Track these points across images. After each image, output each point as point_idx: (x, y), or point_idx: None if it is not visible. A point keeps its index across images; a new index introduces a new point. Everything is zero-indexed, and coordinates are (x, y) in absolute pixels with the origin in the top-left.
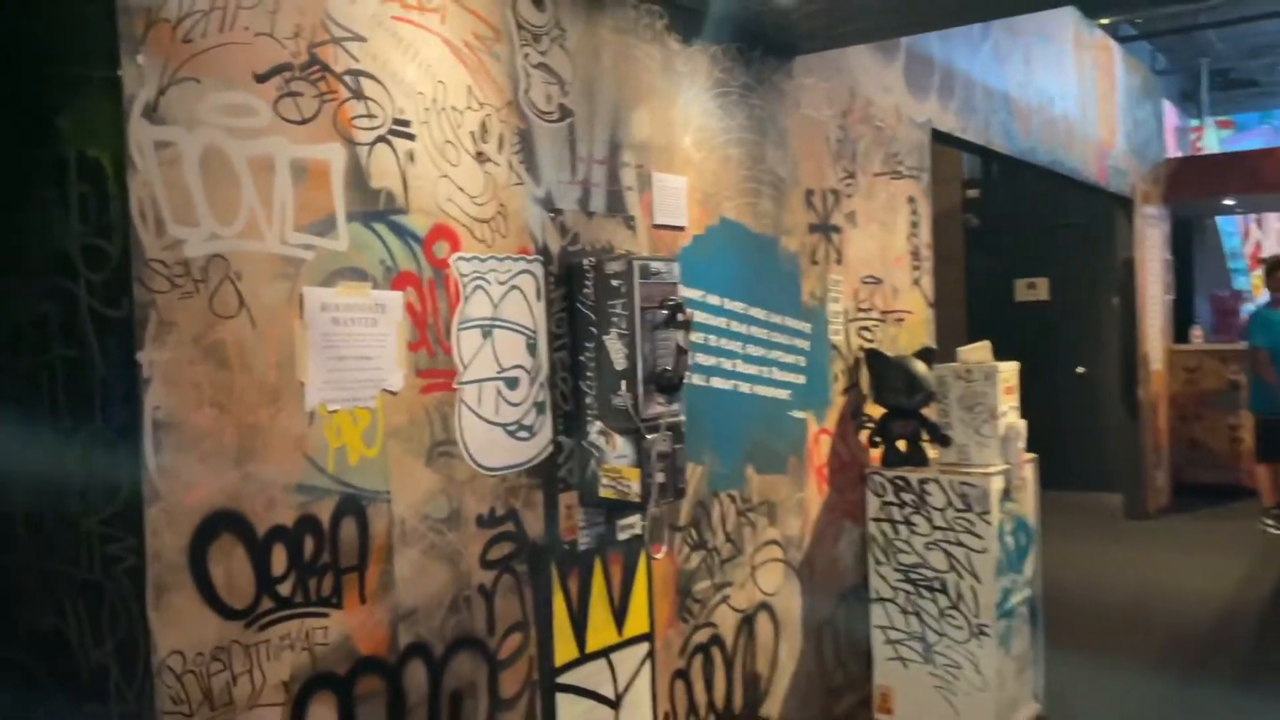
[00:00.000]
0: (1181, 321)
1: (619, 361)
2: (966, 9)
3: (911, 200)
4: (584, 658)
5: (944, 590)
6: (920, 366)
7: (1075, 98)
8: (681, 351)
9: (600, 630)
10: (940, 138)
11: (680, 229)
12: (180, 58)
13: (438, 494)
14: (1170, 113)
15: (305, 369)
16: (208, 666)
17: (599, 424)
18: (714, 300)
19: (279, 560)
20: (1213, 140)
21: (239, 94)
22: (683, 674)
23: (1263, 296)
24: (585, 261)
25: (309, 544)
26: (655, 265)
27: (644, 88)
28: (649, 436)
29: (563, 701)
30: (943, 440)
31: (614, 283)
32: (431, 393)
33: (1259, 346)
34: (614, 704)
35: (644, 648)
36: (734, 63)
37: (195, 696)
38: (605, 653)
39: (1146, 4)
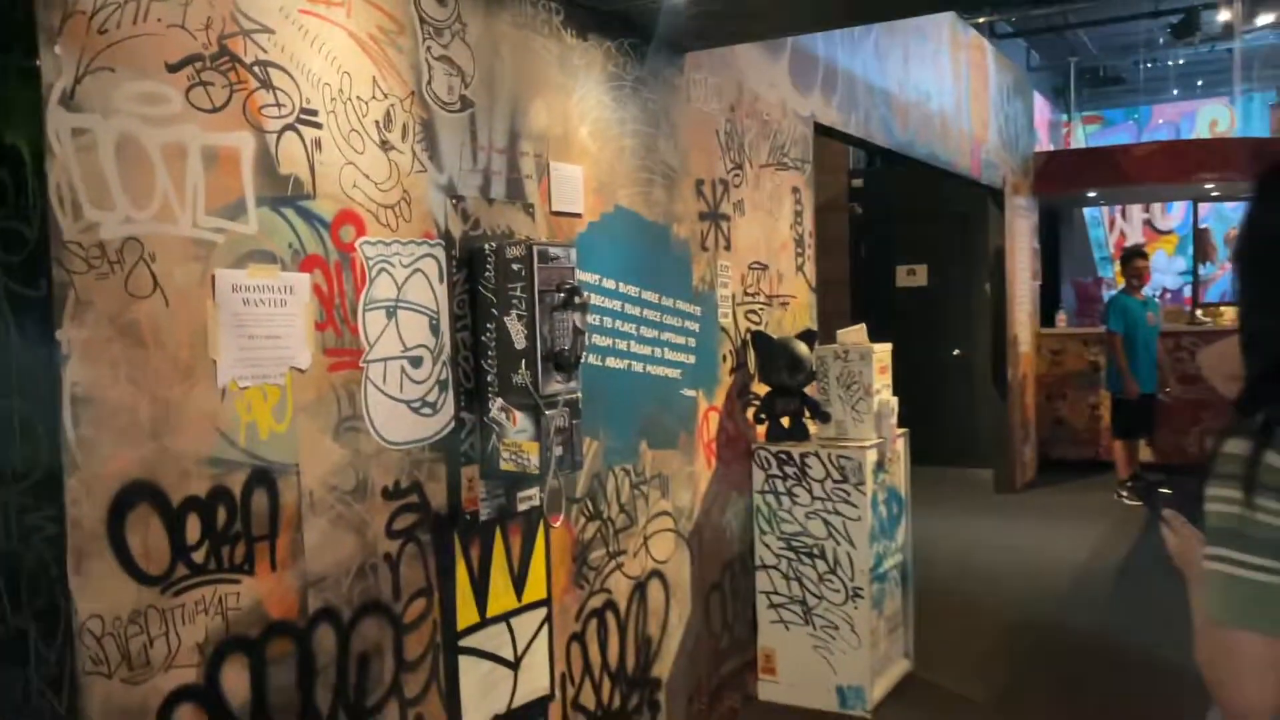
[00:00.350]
0: (1048, 306)
1: (519, 341)
2: (848, 13)
3: (796, 191)
4: (485, 622)
5: (822, 556)
6: (802, 348)
7: (950, 94)
8: (578, 332)
9: (500, 596)
10: (823, 131)
11: (577, 216)
12: (96, 48)
13: (345, 467)
14: (1044, 108)
15: (217, 347)
16: (125, 629)
17: (500, 401)
18: (609, 284)
19: (193, 529)
20: (1081, 135)
21: (152, 83)
22: (578, 637)
23: (1122, 284)
24: (486, 246)
25: (222, 514)
26: (553, 250)
27: (542, 80)
28: (548, 412)
29: (464, 663)
30: (822, 416)
31: (514, 267)
32: (338, 370)
33: (1115, 331)
34: (513, 665)
35: (542, 612)
36: (627, 58)
37: (114, 658)
38: (505, 617)
39: (1016, 5)
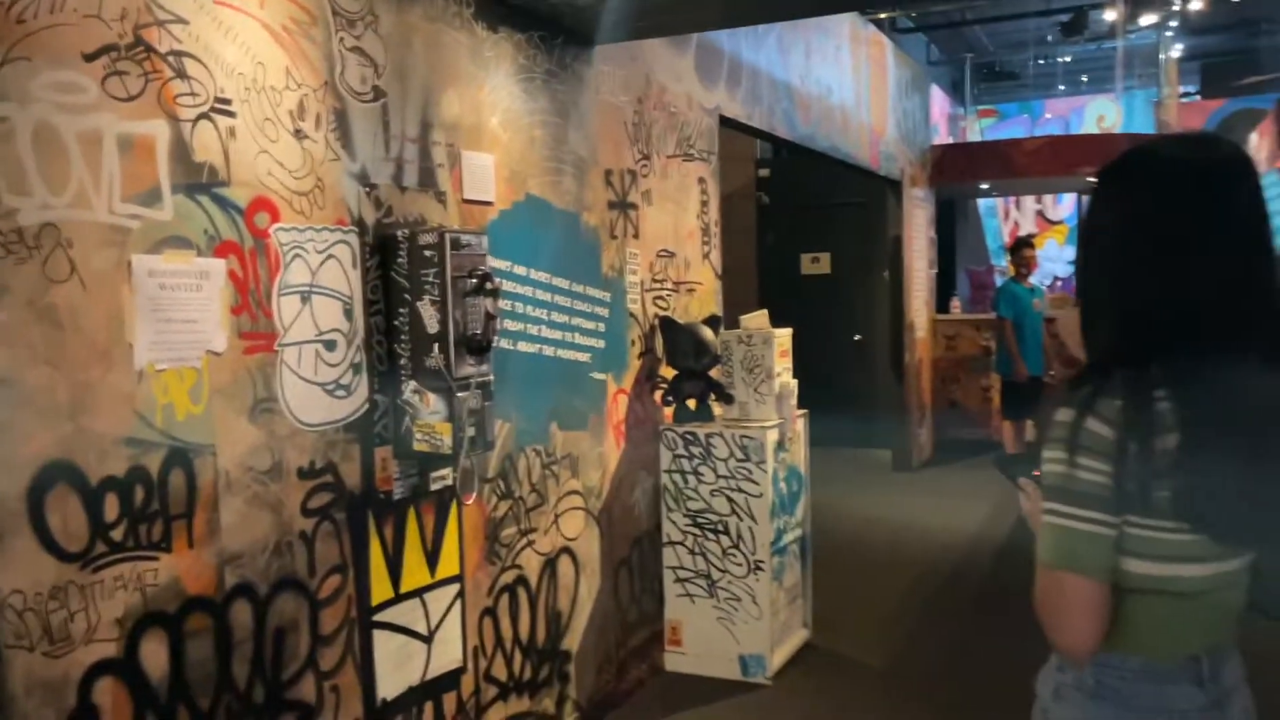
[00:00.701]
0: (944, 294)
1: (432, 326)
2: (755, 12)
3: (702, 181)
4: (399, 597)
5: (726, 532)
6: (708, 333)
7: (851, 89)
8: (490, 317)
9: (414, 572)
10: (728, 124)
11: (488, 204)
12: (13, 38)
13: (260, 448)
14: (943, 101)
15: (134, 331)
16: (46, 605)
17: (413, 383)
18: (520, 270)
19: (111, 508)
20: (977, 128)
21: (69, 72)
22: (490, 611)
23: (1012, 272)
24: (399, 233)
25: (139, 493)
26: (466, 238)
27: (453, 71)
28: (460, 394)
29: (379, 637)
30: (727, 398)
31: (427, 253)
32: (253, 354)
33: (1004, 317)
34: (427, 639)
35: (455, 588)
36: (537, 50)
37: (35, 632)
38: (419, 593)
39: (916, 3)
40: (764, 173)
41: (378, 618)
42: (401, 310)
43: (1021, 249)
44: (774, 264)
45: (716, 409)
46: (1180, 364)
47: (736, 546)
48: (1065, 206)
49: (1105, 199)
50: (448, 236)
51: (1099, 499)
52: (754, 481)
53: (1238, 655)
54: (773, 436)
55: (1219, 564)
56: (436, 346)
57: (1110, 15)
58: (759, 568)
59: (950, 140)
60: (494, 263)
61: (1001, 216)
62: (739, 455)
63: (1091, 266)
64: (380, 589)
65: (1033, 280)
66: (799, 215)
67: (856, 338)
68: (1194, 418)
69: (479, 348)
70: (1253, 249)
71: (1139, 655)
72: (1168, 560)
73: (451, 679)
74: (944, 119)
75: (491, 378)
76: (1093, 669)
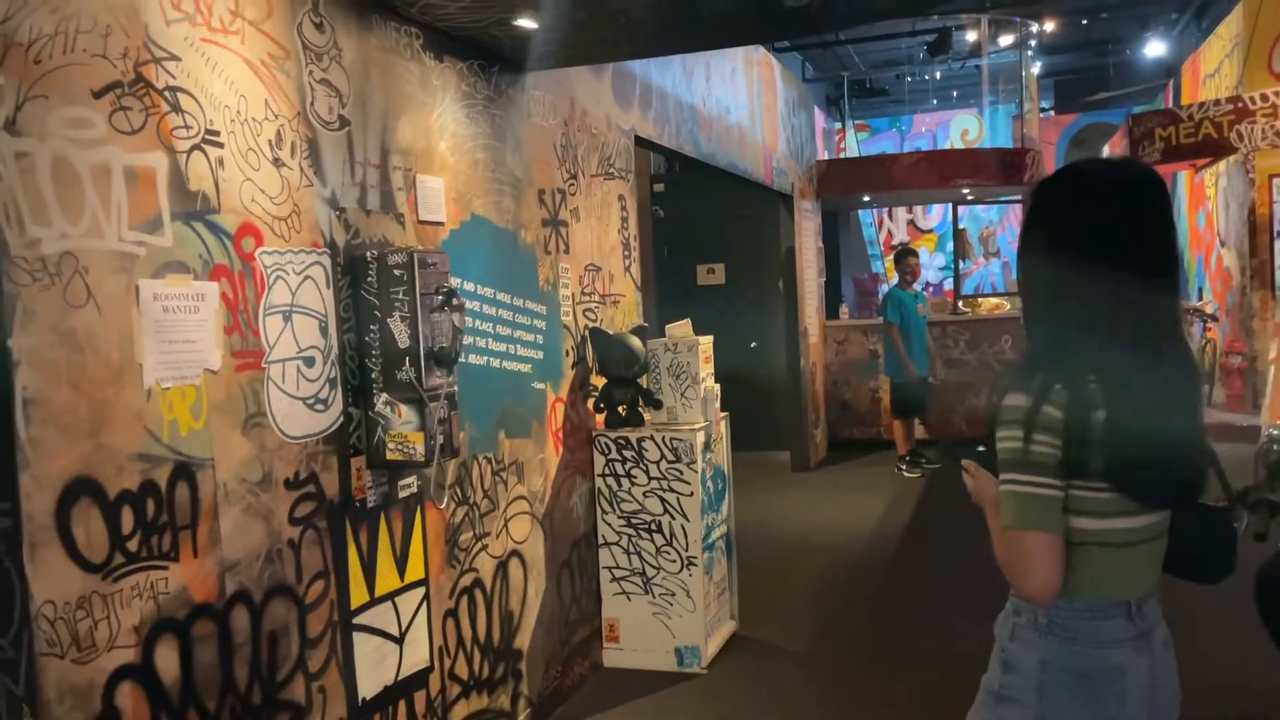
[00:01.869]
0: (832, 300)
1: (402, 340)
2: (666, 44)
3: (621, 198)
4: (374, 601)
5: (660, 530)
6: (636, 341)
7: (746, 108)
8: (457, 331)
9: (386, 577)
10: (642, 143)
11: (440, 224)
12: (32, 77)
13: (252, 460)
14: (819, 117)
15: (142, 351)
16: (74, 614)
17: (385, 395)
18: (469, 286)
19: (127, 520)
20: (852, 142)
21: (80, 109)
22: (452, 613)
23: (895, 279)
24: (368, 254)
25: (151, 505)
26: (431, 257)
27: (406, 99)
28: (431, 404)
29: (358, 639)
30: (655, 404)
31: (396, 272)
32: (244, 371)
33: (892, 322)
34: (399, 640)
35: (421, 591)
36: (477, 78)
37: (65, 640)
38: (390, 596)
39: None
40: (659, 187)
41: (356, 620)
42: (372, 327)
43: (906, 258)
44: (671, 275)
45: (646, 414)
46: (1105, 351)
47: (670, 544)
48: (935, 216)
49: (1039, 211)
50: (416, 256)
51: (1050, 468)
52: (685, 481)
53: (1157, 596)
54: (700, 438)
55: (1144, 518)
56: (407, 360)
57: (972, 36)
58: (691, 563)
59: (826, 154)
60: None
61: (877, 226)
62: (670, 457)
63: (1029, 270)
64: (358, 593)
65: (915, 287)
66: (694, 228)
67: (753, 345)
68: (1116, 398)
69: (448, 359)
70: (1161, 253)
71: (1083, 599)
72: (1104, 516)
73: (421, 678)
74: (820, 133)
75: (457, 388)
76: (1046, 610)
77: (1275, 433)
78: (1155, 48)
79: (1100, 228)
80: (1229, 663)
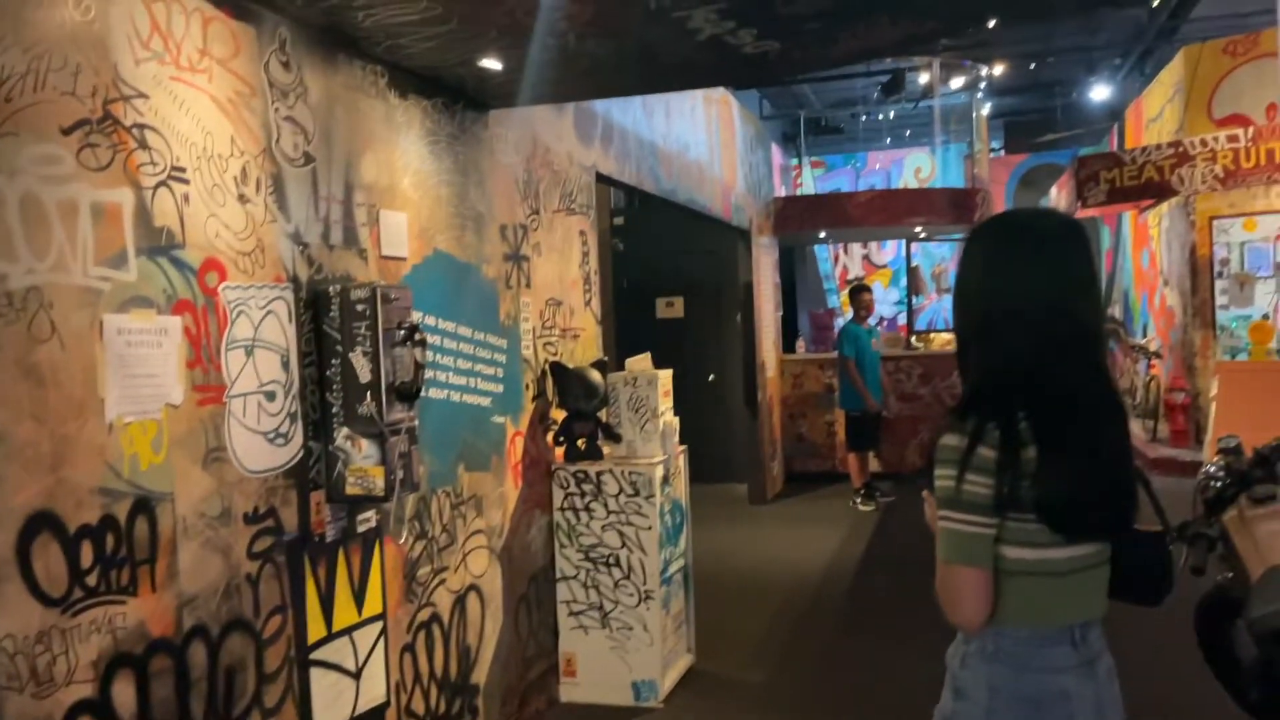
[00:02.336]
0: (789, 334)
1: (364, 375)
2: (627, 85)
3: (583, 233)
4: (331, 636)
5: (618, 564)
6: (596, 375)
7: (705, 145)
8: (418, 365)
9: (344, 611)
10: (603, 179)
11: (403, 259)
12: (3, 115)
13: (212, 494)
14: (776, 153)
15: (105, 385)
16: (33, 648)
17: (345, 430)
18: (430, 320)
19: (87, 554)
20: (809, 178)
21: (50, 146)
22: (410, 648)
23: (850, 314)
24: (331, 289)
25: (110, 540)
26: (394, 292)
27: (371, 136)
28: (392, 439)
29: (315, 674)
30: (615, 438)
31: (359, 307)
32: (206, 405)
33: (848, 356)
34: (355, 675)
35: (378, 626)
36: (441, 115)
37: (25, 675)
38: (348, 631)
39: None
40: (618, 221)
41: (314, 656)
42: (334, 361)
43: (861, 294)
44: (630, 308)
45: (605, 448)
46: (1034, 391)
47: (628, 577)
48: (889, 252)
49: (968, 260)
50: (379, 291)
51: (982, 506)
52: (643, 515)
53: (1100, 626)
54: (659, 471)
55: (1079, 548)
56: (369, 394)
57: (924, 77)
58: (649, 597)
59: (783, 190)
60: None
61: (833, 261)
62: (629, 490)
63: (962, 316)
64: (315, 628)
65: (869, 322)
66: (653, 261)
67: (711, 378)
68: (1045, 436)
69: (409, 394)
70: (1082, 298)
71: (1026, 626)
72: (1039, 546)
73: (378, 714)
74: (777, 169)
75: (417, 422)
76: (992, 638)
77: (1212, 469)
78: (1100, 91)
79: (1024, 276)
80: (1175, 695)
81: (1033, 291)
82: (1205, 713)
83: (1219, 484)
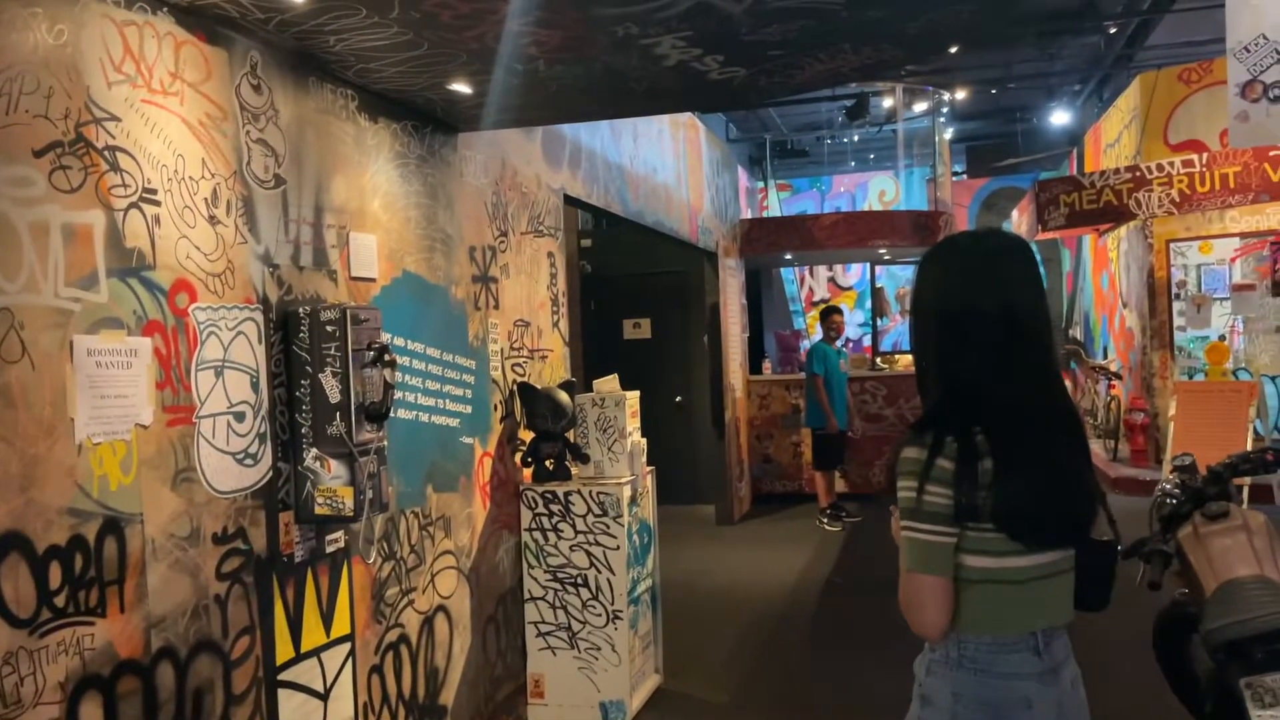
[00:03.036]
0: (755, 355)
1: (333, 396)
2: (595, 110)
3: (550, 255)
4: (299, 657)
5: (586, 585)
6: (563, 396)
7: (672, 169)
8: (388, 386)
9: (312, 632)
10: (571, 201)
11: (372, 280)
12: None
13: (181, 515)
14: (742, 176)
15: (75, 406)
16: (0, 670)
17: (315, 450)
18: (399, 341)
19: (55, 575)
20: (775, 201)
21: (21, 167)
22: (378, 669)
23: (818, 334)
24: (300, 310)
25: (79, 560)
26: (363, 314)
27: (341, 159)
28: (361, 459)
29: (283, 696)
30: (583, 458)
31: (329, 328)
32: (175, 426)
33: (816, 373)
34: (323, 697)
35: (346, 647)
36: (411, 138)
37: None
38: (316, 652)
39: (741, 105)
40: (586, 243)
41: (282, 676)
42: (304, 382)
43: (831, 315)
44: (597, 330)
45: (573, 468)
46: (989, 406)
47: (596, 598)
48: (854, 274)
49: (920, 282)
50: (349, 312)
51: (942, 516)
52: (611, 535)
53: (1066, 634)
54: (627, 492)
55: (1039, 556)
56: (338, 415)
57: (888, 102)
58: (617, 617)
59: (749, 212)
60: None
61: (799, 283)
62: (596, 511)
63: (918, 336)
64: (283, 649)
65: (838, 343)
66: (621, 283)
67: (678, 399)
68: (1001, 448)
69: (378, 415)
70: (1030, 314)
71: (989, 634)
72: (999, 555)
73: None
74: (743, 192)
75: (387, 443)
76: (955, 645)
77: (1167, 486)
78: (1060, 117)
79: (971, 293)
80: (1134, 709)
81: (980, 307)
82: None
83: (1174, 501)
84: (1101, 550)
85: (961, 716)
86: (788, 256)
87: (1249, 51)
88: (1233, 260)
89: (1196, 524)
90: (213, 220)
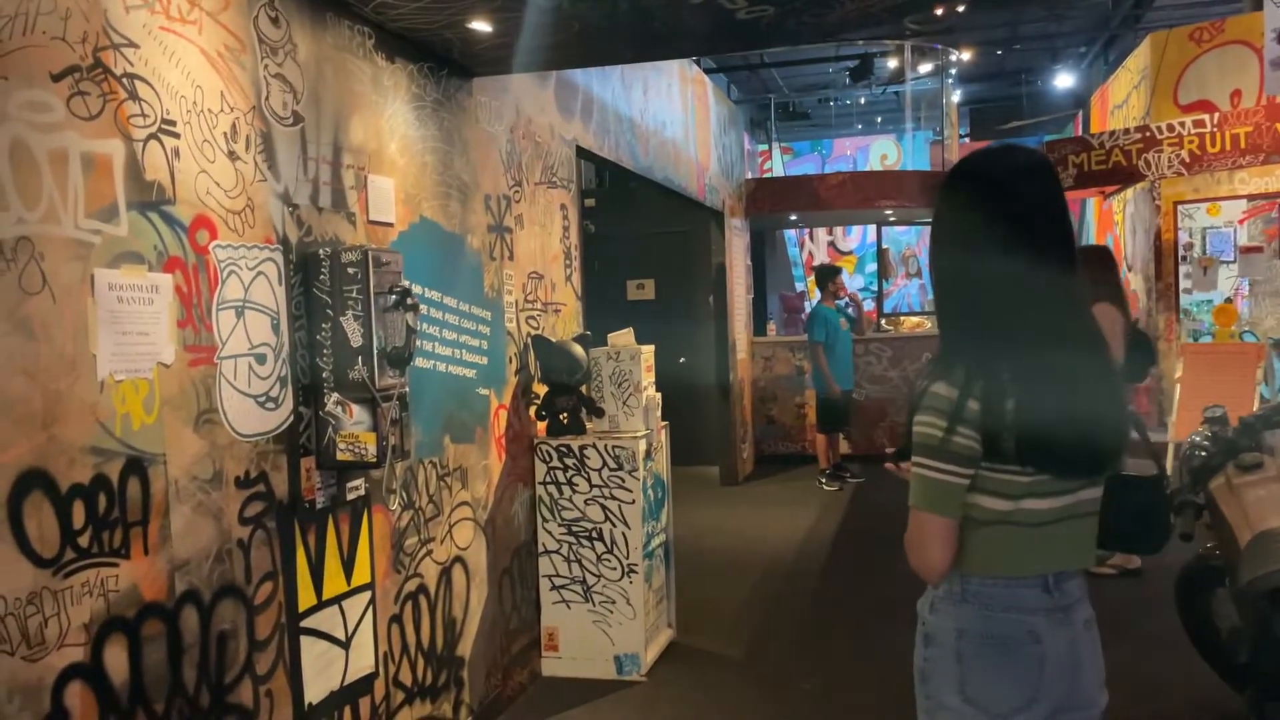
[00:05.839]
0: (759, 317)
1: (355, 340)
2: (615, 52)
3: (564, 208)
4: (321, 604)
5: (600, 538)
6: (578, 349)
7: (681, 123)
8: (411, 330)
9: (333, 579)
10: (583, 153)
11: (390, 225)
12: None
13: (204, 457)
14: (744, 138)
15: (96, 342)
16: (24, 610)
17: (336, 395)
18: (417, 289)
19: (79, 515)
20: (777, 163)
21: (39, 91)
22: (397, 619)
23: (819, 296)
24: (321, 251)
25: (102, 500)
26: (385, 256)
27: (358, 98)
28: (383, 405)
29: (305, 643)
30: (597, 412)
31: (350, 271)
32: (197, 366)
33: (818, 341)
34: (344, 645)
35: (367, 595)
36: (427, 80)
37: (15, 637)
38: (337, 600)
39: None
40: (590, 201)
41: (304, 624)
42: (324, 325)
43: (826, 278)
44: (601, 290)
45: (587, 422)
46: (1013, 338)
47: (610, 551)
48: (853, 239)
49: (938, 211)
50: (370, 254)
51: (965, 458)
52: (626, 489)
53: (1081, 576)
54: (642, 446)
55: (1057, 500)
56: (360, 359)
57: (893, 63)
58: (632, 570)
59: (750, 174)
60: None
61: (799, 246)
62: (612, 465)
63: (937, 268)
64: (306, 596)
65: (838, 302)
66: (624, 243)
67: (681, 360)
68: (1025, 383)
69: (401, 360)
70: (1054, 233)
71: (999, 574)
72: (1017, 498)
73: (366, 684)
74: (745, 154)
75: (409, 389)
76: (960, 581)
77: (1198, 438)
78: (1065, 79)
79: (991, 219)
80: (1154, 663)
81: (1000, 236)
82: (1188, 686)
83: (1205, 453)
84: (1147, 486)
85: (966, 653)
86: (793, 217)
87: None
88: (1240, 222)
89: (1230, 475)
90: (232, 156)
